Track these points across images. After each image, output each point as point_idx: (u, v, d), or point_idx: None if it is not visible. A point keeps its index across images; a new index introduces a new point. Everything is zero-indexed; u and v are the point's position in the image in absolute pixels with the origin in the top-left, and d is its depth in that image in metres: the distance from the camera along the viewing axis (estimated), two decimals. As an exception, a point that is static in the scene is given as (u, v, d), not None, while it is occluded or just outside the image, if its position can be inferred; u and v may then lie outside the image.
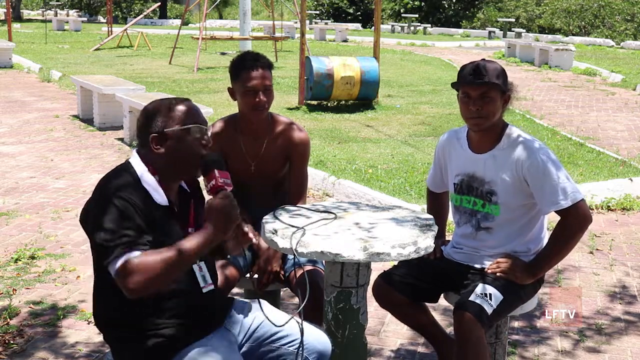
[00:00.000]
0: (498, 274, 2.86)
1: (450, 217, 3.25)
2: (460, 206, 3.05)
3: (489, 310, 2.74)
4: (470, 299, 2.76)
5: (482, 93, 2.83)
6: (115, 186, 2.27)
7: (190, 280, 2.40)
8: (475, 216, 2.99)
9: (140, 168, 2.35)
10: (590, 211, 5.96)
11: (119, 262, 2.15)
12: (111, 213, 2.21)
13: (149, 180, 2.33)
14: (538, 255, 2.93)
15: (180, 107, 2.38)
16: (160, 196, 2.33)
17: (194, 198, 2.50)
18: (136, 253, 2.17)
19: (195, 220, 2.46)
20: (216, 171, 2.30)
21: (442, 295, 3.15)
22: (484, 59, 2.94)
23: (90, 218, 2.27)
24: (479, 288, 2.79)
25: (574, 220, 2.83)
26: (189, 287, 2.38)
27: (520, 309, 3.00)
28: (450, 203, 3.17)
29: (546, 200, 2.83)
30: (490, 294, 2.77)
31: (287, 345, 2.50)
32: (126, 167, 2.37)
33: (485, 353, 2.74)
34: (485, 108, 2.84)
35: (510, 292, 2.85)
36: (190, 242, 2.21)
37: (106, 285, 2.27)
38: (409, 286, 3.03)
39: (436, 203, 3.35)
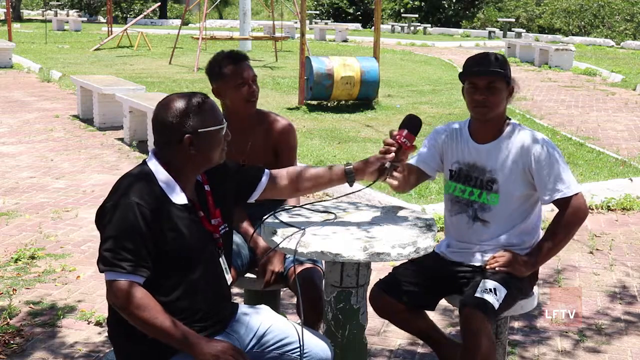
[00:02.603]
0: (497, 269, 2.86)
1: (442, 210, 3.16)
2: (453, 194, 3.04)
3: (495, 305, 2.75)
4: (476, 294, 2.76)
5: (488, 83, 2.85)
6: (133, 192, 2.24)
7: (205, 277, 2.40)
8: (472, 206, 2.99)
9: (158, 171, 2.32)
10: (590, 210, 6.03)
11: (117, 279, 2.20)
12: (123, 225, 2.21)
13: (168, 182, 2.32)
14: (535, 248, 2.94)
15: (208, 105, 2.34)
16: (179, 197, 2.32)
17: (209, 184, 2.48)
18: (136, 278, 2.21)
19: (215, 207, 2.46)
20: (405, 131, 2.62)
21: (441, 299, 3.13)
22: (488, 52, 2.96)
23: (104, 221, 2.26)
24: (483, 283, 2.79)
25: (573, 211, 2.86)
26: (203, 288, 2.38)
27: (520, 308, 3.00)
28: (444, 191, 3.15)
29: (548, 189, 2.86)
30: (494, 289, 2.77)
31: (290, 352, 2.50)
32: (144, 170, 2.34)
33: (493, 348, 2.74)
34: (492, 98, 2.86)
35: (512, 286, 2.85)
36: (180, 333, 2.23)
37: None
38: (406, 293, 3.02)
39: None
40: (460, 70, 2.96)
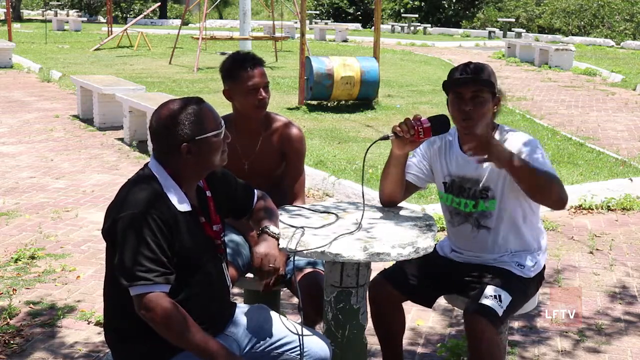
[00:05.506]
0: (478, 158, 2.64)
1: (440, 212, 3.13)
2: (451, 206, 3.01)
3: (500, 312, 2.73)
4: (480, 301, 2.73)
5: (474, 93, 2.79)
6: (144, 201, 2.22)
7: (206, 284, 2.39)
8: (472, 216, 2.96)
9: (163, 177, 2.31)
10: (590, 210, 6.01)
11: (146, 291, 2.17)
12: (140, 237, 2.18)
13: (173, 189, 2.30)
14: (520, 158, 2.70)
15: (205, 111, 2.33)
16: (184, 203, 2.32)
17: (210, 189, 2.48)
18: (164, 288, 2.19)
19: (216, 214, 2.46)
20: (429, 124, 2.82)
21: (439, 297, 3.13)
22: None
23: (118, 235, 2.22)
24: (489, 290, 2.77)
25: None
26: (204, 293, 2.38)
27: (520, 308, 2.99)
28: (440, 202, 3.13)
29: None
30: (499, 296, 2.75)
31: (289, 351, 2.50)
32: (149, 176, 2.31)
33: (499, 354, 2.73)
34: (477, 109, 2.79)
35: (517, 292, 2.84)
36: (208, 345, 2.21)
37: (117, 292, 2.27)
38: (409, 286, 3.01)
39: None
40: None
